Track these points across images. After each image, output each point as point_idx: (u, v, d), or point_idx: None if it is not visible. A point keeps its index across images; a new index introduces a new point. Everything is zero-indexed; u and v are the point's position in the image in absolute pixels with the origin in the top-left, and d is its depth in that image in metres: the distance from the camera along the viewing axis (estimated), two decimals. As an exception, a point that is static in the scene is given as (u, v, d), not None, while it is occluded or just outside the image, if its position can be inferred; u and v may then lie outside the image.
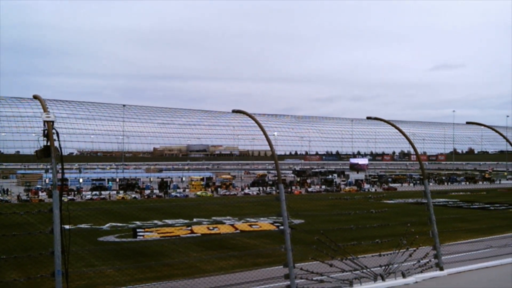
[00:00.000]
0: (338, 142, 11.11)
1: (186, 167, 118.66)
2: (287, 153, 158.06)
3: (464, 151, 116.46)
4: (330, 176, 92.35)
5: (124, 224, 32.57)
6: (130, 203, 57.19)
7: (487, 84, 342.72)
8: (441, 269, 10.22)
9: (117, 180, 79.91)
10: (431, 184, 77.31)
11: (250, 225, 32.19)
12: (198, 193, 69.70)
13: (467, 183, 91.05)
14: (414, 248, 9.88)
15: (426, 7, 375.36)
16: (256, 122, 9.20)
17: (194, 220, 35.84)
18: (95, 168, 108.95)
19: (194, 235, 28.66)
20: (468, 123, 13.53)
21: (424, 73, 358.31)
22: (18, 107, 7.64)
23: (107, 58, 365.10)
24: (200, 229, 30.68)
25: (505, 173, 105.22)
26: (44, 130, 6.97)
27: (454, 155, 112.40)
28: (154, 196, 67.34)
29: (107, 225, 31.89)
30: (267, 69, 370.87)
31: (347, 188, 79.13)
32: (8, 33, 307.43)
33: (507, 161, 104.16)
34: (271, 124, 9.85)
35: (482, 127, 13.25)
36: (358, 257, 9.39)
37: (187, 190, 74.95)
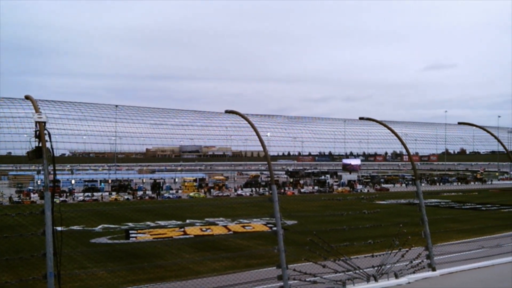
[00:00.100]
0: (330, 143, 11.14)
1: (179, 168, 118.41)
2: (280, 153, 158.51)
3: (456, 152, 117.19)
4: (323, 177, 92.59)
5: (117, 226, 32.44)
6: (122, 204, 57.01)
7: (479, 84, 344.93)
8: (434, 269, 10.27)
9: (110, 181, 79.69)
10: (423, 184, 77.69)
11: (243, 226, 32.16)
12: (191, 194, 69.58)
13: (459, 183, 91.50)
14: (407, 249, 9.92)
15: (418, 7, 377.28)
16: (249, 122, 9.20)
17: (187, 221, 35.74)
18: (87, 169, 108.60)
19: (187, 236, 28.57)
20: (460, 123, 13.59)
21: (416, 73, 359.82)
22: (9, 107, 7.60)
23: (99, 58, 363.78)
24: (193, 231, 30.58)
25: (497, 174, 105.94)
26: (35, 131, 6.94)
27: (446, 156, 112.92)
28: (147, 197, 67.17)
29: (100, 226, 31.75)
30: (260, 69, 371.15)
31: (340, 188, 79.37)
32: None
33: (498, 161, 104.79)
34: (264, 124, 9.85)
35: (474, 127, 13.33)
36: (351, 257, 9.41)
37: (180, 191, 74.86)
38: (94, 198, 63.48)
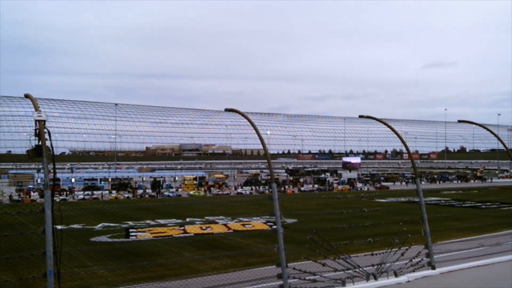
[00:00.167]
0: (330, 141, 11.14)
1: (179, 166, 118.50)
2: (280, 152, 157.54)
3: (456, 150, 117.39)
4: (322, 175, 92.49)
5: (117, 224, 32.43)
6: (122, 203, 57.00)
7: (478, 82, 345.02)
8: (433, 268, 10.27)
9: (110, 179, 79.62)
10: (423, 182, 77.64)
11: (243, 225, 32.15)
12: (191, 192, 69.60)
13: (459, 181, 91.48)
14: (406, 247, 9.92)
15: (417, 7, 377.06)
16: (249, 121, 9.19)
17: (187, 220, 35.74)
18: (87, 168, 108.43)
19: (187, 235, 28.57)
20: (459, 121, 13.59)
21: (416, 71, 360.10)
22: (9, 106, 7.59)
23: (99, 57, 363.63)
24: (193, 229, 30.59)
25: (497, 172, 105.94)
26: (35, 130, 6.94)
27: (446, 154, 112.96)
28: (147, 195, 67.17)
29: (100, 225, 31.74)
30: (260, 68, 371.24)
31: (340, 187, 79.39)
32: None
33: (498, 159, 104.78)
34: (264, 123, 9.84)
35: (474, 125, 13.33)
36: (351, 256, 9.42)
37: (180, 189, 74.82)
38: (94, 196, 63.39)
